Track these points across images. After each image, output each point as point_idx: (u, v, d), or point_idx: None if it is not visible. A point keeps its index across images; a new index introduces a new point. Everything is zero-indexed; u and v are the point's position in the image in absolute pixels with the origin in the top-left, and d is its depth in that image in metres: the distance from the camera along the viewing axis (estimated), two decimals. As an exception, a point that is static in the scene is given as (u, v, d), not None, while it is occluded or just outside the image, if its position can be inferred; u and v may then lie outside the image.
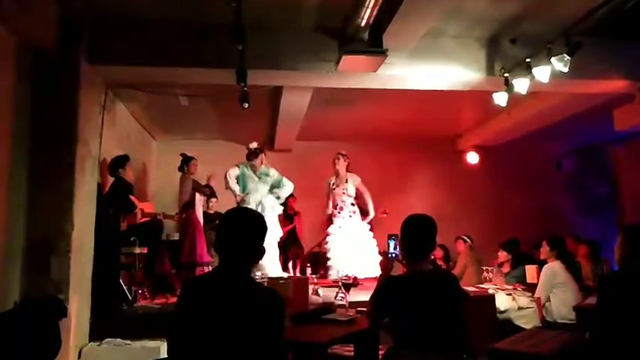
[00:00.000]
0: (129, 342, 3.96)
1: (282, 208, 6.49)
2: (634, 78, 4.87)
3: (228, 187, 6.01)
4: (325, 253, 6.29)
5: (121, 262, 5.01)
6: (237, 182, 6.02)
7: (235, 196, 6.03)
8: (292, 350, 2.64)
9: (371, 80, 4.80)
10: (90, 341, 4.04)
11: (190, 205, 6.25)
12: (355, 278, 5.35)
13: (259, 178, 6.07)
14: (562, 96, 5.98)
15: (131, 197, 5.17)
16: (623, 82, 4.92)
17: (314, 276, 5.88)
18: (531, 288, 4.88)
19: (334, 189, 6.33)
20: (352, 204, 6.29)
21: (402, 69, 4.61)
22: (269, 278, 4.86)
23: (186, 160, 6.49)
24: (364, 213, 6.60)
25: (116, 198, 4.99)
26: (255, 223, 2.06)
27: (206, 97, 6.34)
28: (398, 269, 2.99)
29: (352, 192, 6.27)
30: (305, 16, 4.31)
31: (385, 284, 2.72)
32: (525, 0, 4.14)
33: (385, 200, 7.79)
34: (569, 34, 4.08)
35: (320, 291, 5.41)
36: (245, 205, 5.76)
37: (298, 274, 7.07)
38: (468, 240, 6.76)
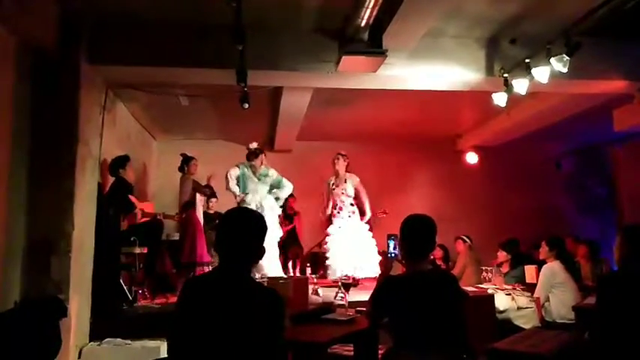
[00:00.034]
0: (129, 342, 3.97)
1: (281, 209, 6.49)
2: (633, 78, 4.88)
3: (228, 187, 6.02)
4: (325, 253, 6.30)
5: (121, 262, 5.02)
6: (238, 182, 6.03)
7: (235, 196, 6.03)
8: (292, 350, 2.65)
9: (371, 81, 4.81)
10: (90, 341, 4.04)
11: (190, 205, 6.26)
12: (354, 278, 5.36)
13: (259, 178, 6.08)
14: (561, 96, 5.99)
15: (131, 197, 5.17)
16: (622, 83, 4.93)
17: (314, 276, 5.89)
18: (530, 288, 4.89)
19: (333, 189, 6.34)
20: (351, 204, 6.30)
21: (402, 69, 4.62)
22: (269, 278, 4.86)
23: (187, 161, 6.51)
24: (363, 213, 6.61)
25: (116, 198, 4.99)
26: (255, 223, 2.07)
27: (206, 98, 6.35)
28: (397, 269, 3.00)
29: (351, 192, 6.28)
30: (305, 16, 4.32)
31: (385, 284, 2.72)
32: (525, 0, 4.14)
33: (385, 200, 7.81)
34: (569, 34, 4.09)
35: (320, 291, 5.42)
36: (245, 206, 5.77)
37: (298, 274, 7.07)
38: (467, 240, 6.77)
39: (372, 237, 6.37)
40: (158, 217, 5.47)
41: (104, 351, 3.92)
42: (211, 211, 7.04)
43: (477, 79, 4.82)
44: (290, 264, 7.40)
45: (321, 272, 6.48)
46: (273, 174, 6.18)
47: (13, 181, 3.63)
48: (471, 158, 8.84)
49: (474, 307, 4.13)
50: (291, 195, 6.81)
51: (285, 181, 6.24)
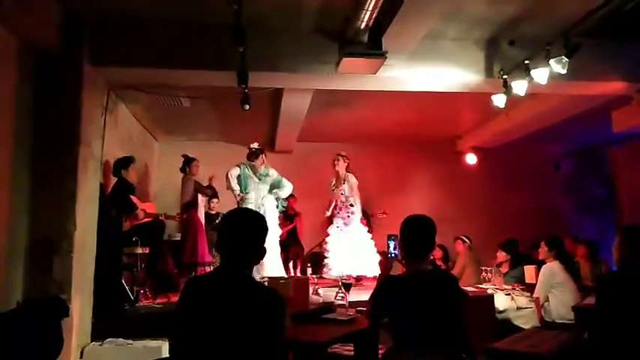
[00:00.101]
0: (131, 342, 3.98)
1: (282, 208, 6.52)
2: (632, 79, 4.90)
3: (229, 186, 6.04)
4: (325, 253, 6.32)
5: (123, 262, 5.04)
6: (238, 182, 6.05)
7: (235, 195, 6.05)
8: (292, 349, 2.64)
9: (371, 82, 4.83)
10: (92, 341, 4.06)
11: (192, 205, 6.29)
12: (350, 276, 5.38)
13: (259, 178, 6.10)
14: (560, 98, 6.01)
15: (132, 198, 5.20)
16: (621, 84, 4.95)
17: (314, 276, 5.91)
18: (530, 288, 4.90)
19: (333, 190, 6.36)
20: (351, 205, 6.32)
21: (402, 71, 4.64)
22: (269, 278, 4.88)
23: (188, 162, 6.53)
24: (362, 213, 6.67)
25: (118, 199, 5.01)
26: (255, 223, 2.08)
27: (207, 99, 6.38)
28: (397, 269, 3.01)
29: (349, 192, 6.31)
30: (305, 18, 4.34)
31: (385, 284, 2.73)
32: (524, 2, 4.16)
33: (385, 201, 7.84)
34: (568, 35, 4.10)
35: (320, 291, 5.44)
36: (245, 205, 5.79)
37: (299, 274, 7.09)
38: (467, 240, 6.79)
39: (373, 237, 6.40)
40: (160, 217, 5.49)
41: (106, 351, 3.93)
42: (213, 212, 7.07)
43: (477, 81, 4.84)
44: (291, 264, 7.41)
45: (322, 272, 6.50)
46: (273, 174, 6.20)
47: (16, 182, 3.65)
48: (471, 159, 8.87)
49: (473, 307, 4.14)
50: (291, 195, 6.84)
51: (285, 180, 6.26)
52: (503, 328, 4.40)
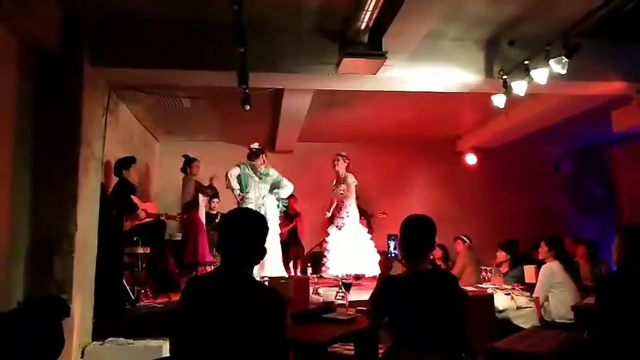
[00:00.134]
0: (131, 341, 3.98)
1: (282, 208, 6.53)
2: (632, 80, 4.91)
3: (229, 186, 6.05)
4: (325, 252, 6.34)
5: (124, 262, 5.04)
6: (238, 182, 6.06)
7: (235, 195, 6.06)
8: (293, 349, 2.65)
9: (371, 82, 4.84)
10: (93, 340, 4.06)
11: (193, 205, 6.30)
12: (350, 276, 5.39)
13: (260, 177, 6.10)
14: (560, 98, 6.02)
15: (133, 198, 5.21)
16: (621, 84, 4.95)
17: (314, 276, 5.92)
18: (530, 288, 4.91)
19: (333, 190, 6.38)
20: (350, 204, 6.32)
21: (402, 71, 4.65)
22: (270, 278, 4.89)
23: (189, 162, 6.55)
24: (362, 213, 6.68)
25: (119, 199, 5.03)
26: (256, 223, 2.09)
27: (208, 99, 6.39)
28: (397, 269, 3.02)
29: (346, 192, 6.32)
30: (305, 18, 4.35)
31: (385, 284, 2.73)
32: (524, 2, 4.17)
33: (385, 201, 7.85)
34: (568, 36, 4.11)
35: (320, 290, 5.45)
36: (245, 205, 5.80)
37: (299, 274, 7.10)
38: (466, 240, 6.80)
39: (373, 237, 6.42)
40: (161, 217, 5.51)
41: (107, 350, 3.94)
42: (213, 212, 7.08)
43: (476, 81, 4.84)
44: (291, 264, 7.43)
45: (321, 271, 6.51)
46: (274, 173, 6.21)
47: (17, 182, 3.65)
48: (471, 159, 8.88)
49: (473, 307, 4.14)
50: (291, 195, 6.85)
51: (285, 180, 6.27)
52: (503, 328, 4.40)
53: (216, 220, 6.89)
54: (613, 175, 8.92)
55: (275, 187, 6.22)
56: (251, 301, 1.91)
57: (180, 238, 6.40)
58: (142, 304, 5.00)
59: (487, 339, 3.47)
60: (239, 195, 6.01)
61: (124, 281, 4.85)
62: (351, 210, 6.21)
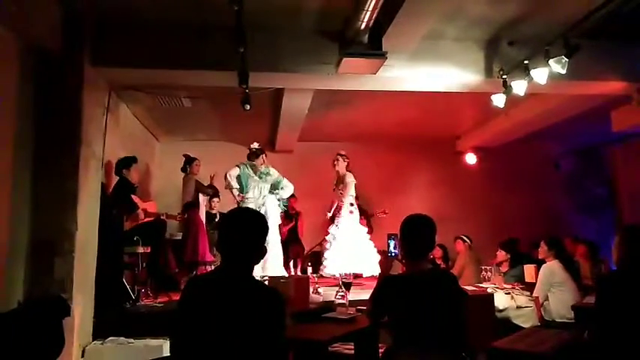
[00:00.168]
0: (132, 340, 3.99)
1: (283, 208, 6.54)
2: (631, 79, 4.92)
3: (228, 186, 6.05)
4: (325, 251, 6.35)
5: (124, 262, 5.05)
6: (238, 182, 6.06)
7: (235, 196, 6.07)
8: (293, 348, 2.66)
9: (371, 82, 4.84)
10: (93, 340, 4.07)
11: (193, 205, 6.30)
12: (350, 275, 5.40)
13: (260, 177, 6.10)
14: (560, 97, 6.02)
15: (134, 197, 5.21)
16: (620, 84, 4.97)
17: (314, 275, 5.93)
18: (530, 287, 4.91)
19: (334, 189, 6.38)
20: (350, 204, 6.33)
21: (402, 71, 4.66)
22: (270, 277, 4.90)
23: (189, 161, 6.55)
24: (362, 212, 6.68)
25: (119, 198, 5.03)
26: (256, 222, 2.08)
27: (208, 99, 6.39)
28: (398, 268, 3.02)
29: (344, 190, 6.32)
30: (305, 18, 4.35)
31: (385, 283, 2.73)
32: (524, 2, 4.18)
33: (385, 200, 7.85)
34: (568, 36, 4.11)
35: (320, 290, 5.45)
36: (246, 204, 5.80)
37: (299, 273, 7.11)
38: (467, 240, 6.80)
39: (373, 237, 6.42)
40: (161, 216, 5.51)
41: (107, 350, 3.94)
42: (214, 211, 7.09)
43: (476, 81, 4.85)
44: (291, 263, 7.43)
45: (320, 269, 6.52)
46: (274, 173, 6.21)
47: (17, 182, 3.66)
48: (470, 159, 8.89)
49: (473, 306, 4.15)
50: (292, 195, 6.85)
51: (285, 181, 6.27)
52: (503, 327, 4.41)
53: (217, 220, 6.90)
54: (613, 175, 8.93)
55: (275, 187, 6.22)
56: (251, 301, 1.91)
57: (180, 238, 6.39)
58: (143, 303, 5.00)
59: (487, 338, 3.47)
60: (238, 195, 6.02)
61: (124, 280, 4.85)
62: (344, 210, 6.21)
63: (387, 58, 4.24)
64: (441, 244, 6.90)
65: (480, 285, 5.34)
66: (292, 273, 7.07)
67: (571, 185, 9.18)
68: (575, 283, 4.78)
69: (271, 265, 5.62)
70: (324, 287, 5.68)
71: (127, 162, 5.27)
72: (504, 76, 4.68)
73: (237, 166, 6.11)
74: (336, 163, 6.31)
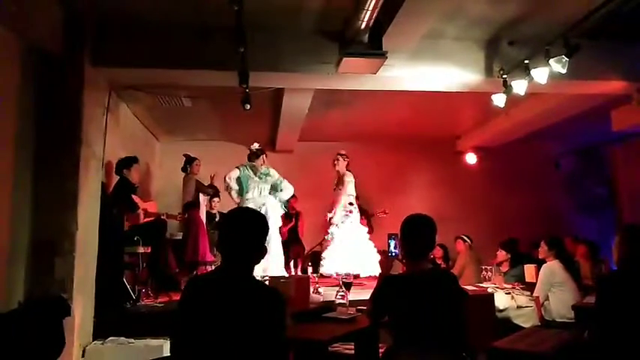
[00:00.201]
0: (132, 340, 4.00)
1: (284, 209, 6.54)
2: (631, 79, 4.92)
3: (227, 189, 6.05)
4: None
5: (125, 262, 5.05)
6: (238, 183, 6.05)
7: (233, 197, 6.07)
8: (293, 348, 2.65)
9: (371, 82, 4.84)
10: (94, 340, 4.08)
11: (193, 205, 6.30)
12: (350, 275, 5.40)
13: (260, 177, 6.11)
14: (560, 97, 6.02)
15: (134, 197, 5.22)
16: (620, 83, 4.97)
17: (315, 275, 5.92)
18: (530, 287, 4.91)
19: (334, 189, 6.38)
20: (350, 203, 6.33)
21: (402, 70, 4.66)
22: (270, 277, 4.89)
23: (190, 161, 6.55)
24: (363, 212, 6.68)
25: (119, 198, 5.04)
26: (256, 222, 2.08)
27: (208, 99, 6.40)
28: (398, 268, 3.03)
29: (349, 191, 6.32)
30: (305, 18, 4.35)
31: (385, 283, 2.74)
32: (524, 2, 4.18)
33: (385, 200, 7.85)
34: (568, 35, 4.11)
35: (321, 290, 5.44)
36: (246, 204, 5.79)
37: (299, 273, 7.11)
38: (467, 240, 6.80)
39: (373, 236, 6.42)
40: (161, 216, 5.51)
41: (108, 350, 3.95)
42: (214, 211, 7.09)
43: (477, 80, 4.85)
44: (292, 263, 7.43)
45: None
46: (274, 174, 6.21)
47: (18, 182, 3.66)
48: (471, 159, 8.89)
49: (473, 306, 4.15)
50: (292, 195, 6.86)
51: (285, 183, 6.26)
52: (504, 327, 4.41)
53: (217, 220, 6.90)
54: (613, 174, 8.93)
55: (275, 188, 6.22)
56: (251, 301, 1.91)
57: (180, 238, 6.40)
58: (143, 303, 5.00)
59: (487, 338, 3.47)
60: (237, 197, 6.02)
61: (124, 280, 4.86)
62: (339, 208, 6.21)
63: (387, 57, 4.23)
64: (442, 243, 6.90)
65: (481, 285, 5.34)
66: (293, 273, 7.07)
67: (571, 185, 9.18)
68: (575, 283, 4.77)
69: (271, 265, 5.62)
70: (324, 287, 5.67)
71: (127, 162, 5.27)
72: (504, 76, 4.68)
73: (237, 167, 6.11)
74: (336, 162, 6.31)
